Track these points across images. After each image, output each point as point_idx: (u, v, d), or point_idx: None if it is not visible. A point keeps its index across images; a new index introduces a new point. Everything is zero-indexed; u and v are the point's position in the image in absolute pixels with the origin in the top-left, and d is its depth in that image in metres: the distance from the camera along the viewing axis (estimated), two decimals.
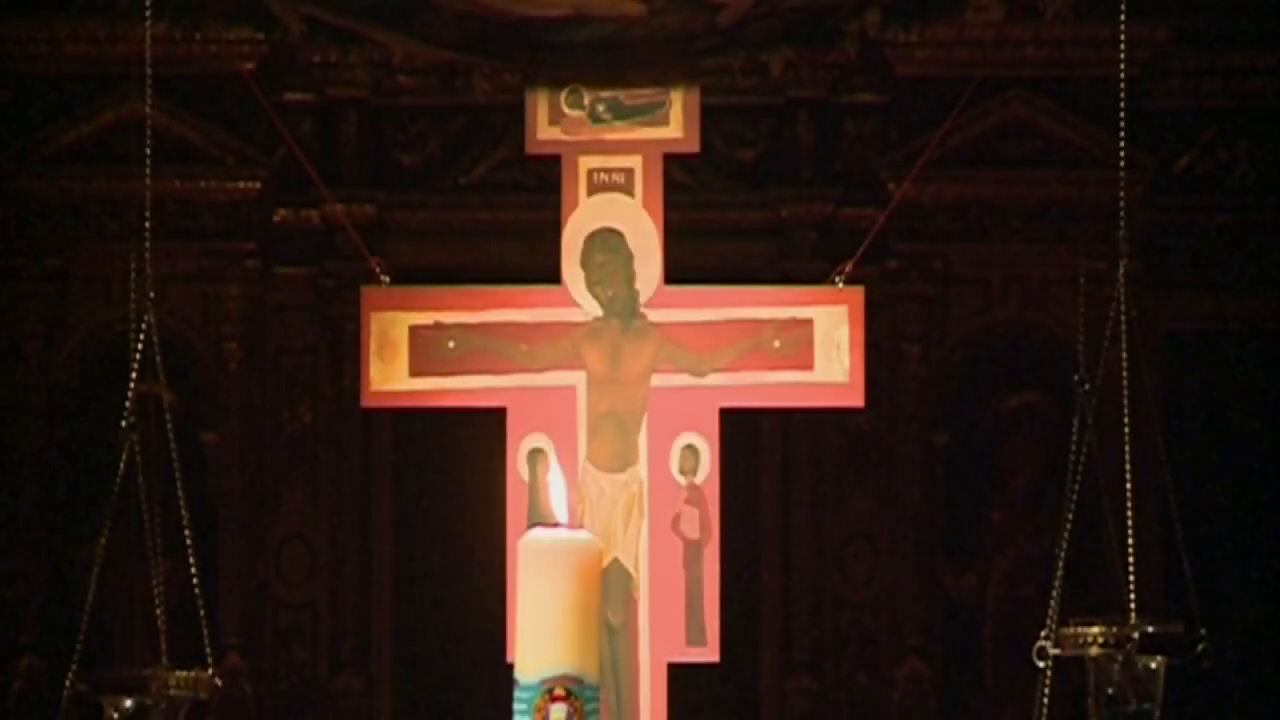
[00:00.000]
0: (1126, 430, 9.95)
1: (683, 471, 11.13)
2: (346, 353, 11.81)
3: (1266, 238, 12.97)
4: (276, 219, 12.66)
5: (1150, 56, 12.06)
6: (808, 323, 11.20)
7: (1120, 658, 9.83)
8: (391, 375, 11.25)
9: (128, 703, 9.91)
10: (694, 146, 11.45)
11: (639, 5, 11.52)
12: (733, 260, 12.16)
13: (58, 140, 12.43)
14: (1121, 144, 10.59)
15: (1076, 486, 10.09)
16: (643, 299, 11.17)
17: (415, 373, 11.23)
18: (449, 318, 11.20)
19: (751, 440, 12.00)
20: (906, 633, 12.83)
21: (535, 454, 11.08)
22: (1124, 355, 10.10)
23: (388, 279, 11.31)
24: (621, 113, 11.40)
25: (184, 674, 9.90)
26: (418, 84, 12.66)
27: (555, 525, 6.42)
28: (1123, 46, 10.71)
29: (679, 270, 11.20)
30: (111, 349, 10.96)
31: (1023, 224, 12.53)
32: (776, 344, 11.18)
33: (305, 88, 12.71)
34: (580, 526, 6.49)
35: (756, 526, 12.46)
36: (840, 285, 11.28)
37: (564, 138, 11.32)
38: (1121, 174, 10.57)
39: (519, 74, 11.76)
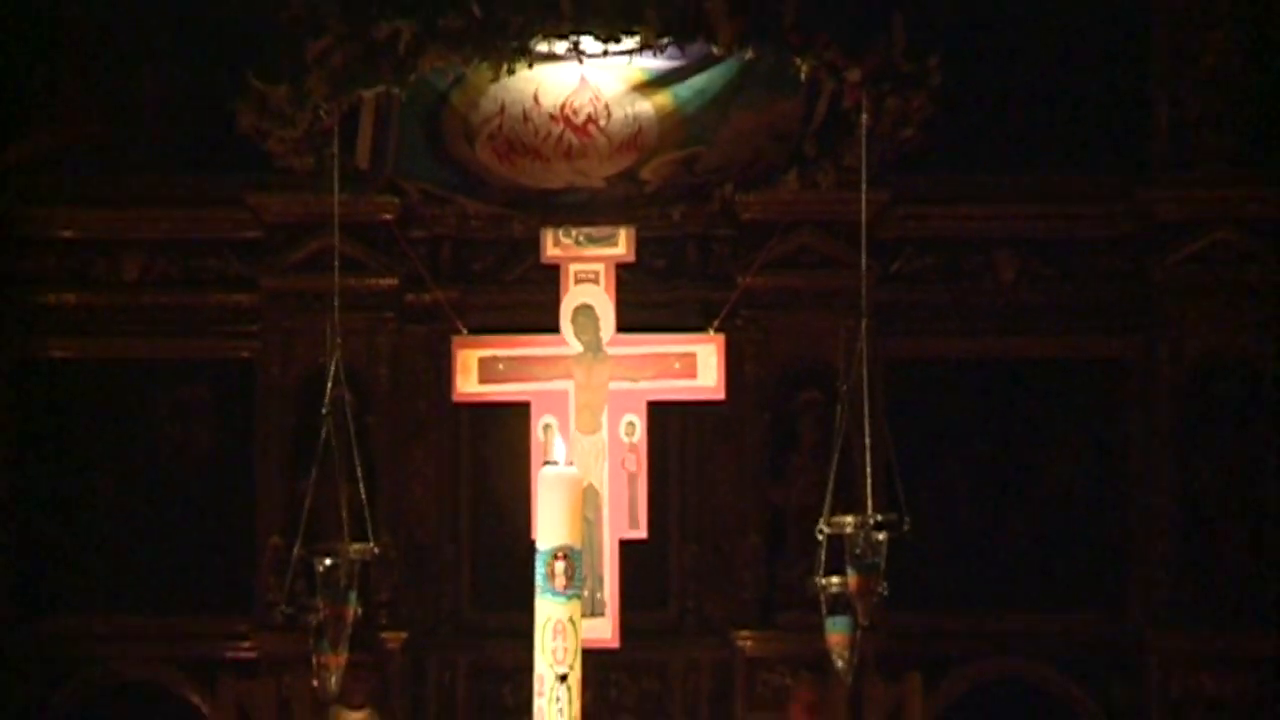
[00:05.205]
0: (866, 411, 10.22)
1: (626, 435, 11.24)
2: (445, 372, 11.62)
3: (940, 306, 12.58)
4: (407, 300, 12.43)
5: (879, 207, 11.83)
6: (694, 354, 11.39)
7: (862, 534, 9.72)
8: (469, 384, 11.39)
9: (328, 561, 9.81)
10: (632, 259, 11.53)
11: (602, 182, 11.38)
12: (653, 320, 11.84)
13: (291, 258, 12.25)
14: (863, 255, 10.71)
15: (839, 443, 10.07)
16: (605, 341, 11.34)
17: (482, 382, 11.36)
18: (500, 352, 11.37)
19: (663, 419, 11.80)
20: (748, 522, 12.33)
21: (547, 427, 11.16)
22: (865, 372, 10.27)
23: (466, 332, 11.47)
24: (592, 239, 11.54)
25: (358, 545, 9.87)
26: (482, 225, 12.30)
27: (557, 464, 6.66)
28: (863, 202, 10.70)
29: (624, 325, 11.38)
30: (319, 372, 10.85)
31: (810, 300, 12.28)
32: (677, 365, 11.39)
33: (421, 227, 12.49)
34: (571, 464, 6.73)
35: (665, 465, 12.28)
36: (712, 333, 11.47)
37: (561, 254, 11.51)
38: (864, 271, 10.67)
39: (537, 219, 11.63)
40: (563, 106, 11.10)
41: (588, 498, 10.87)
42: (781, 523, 12.25)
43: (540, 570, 6.56)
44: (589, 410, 11.35)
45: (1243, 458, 12.18)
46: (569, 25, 10.64)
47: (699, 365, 11.43)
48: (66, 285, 12.49)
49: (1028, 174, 12.54)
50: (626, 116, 11.14)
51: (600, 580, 11.20)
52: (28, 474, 12.53)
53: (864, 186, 10.72)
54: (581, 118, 11.13)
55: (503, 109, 11.10)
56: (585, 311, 11.45)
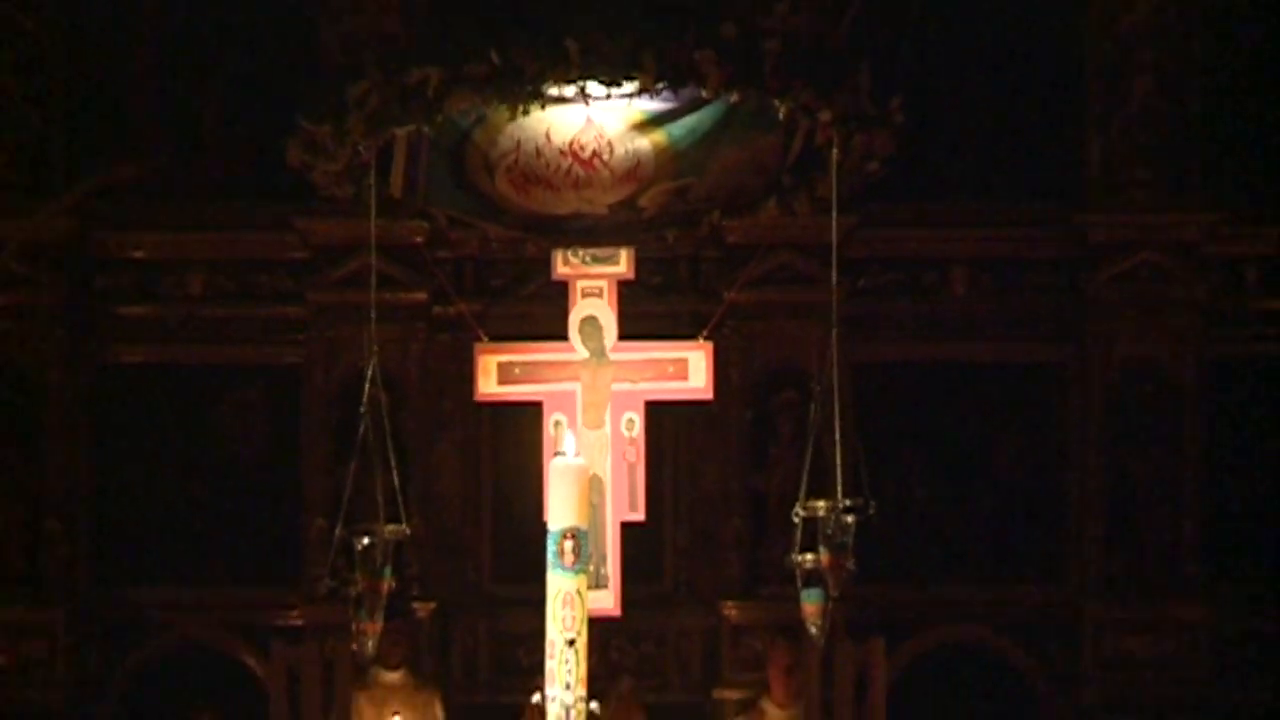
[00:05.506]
0: (836, 409, 10.03)
1: (627, 430, 11.37)
2: (468, 375, 11.60)
3: (901, 317, 12.45)
4: (434, 312, 12.21)
5: (847, 230, 11.60)
6: (686, 359, 11.51)
7: (833, 517, 9.69)
8: (489, 385, 11.49)
9: (365, 540, 9.75)
10: (631, 276, 11.55)
11: (605, 209, 11.54)
12: (650, 329, 11.78)
13: (334, 276, 12.05)
14: (834, 273, 10.69)
15: (812, 437, 10.11)
16: (608, 348, 11.40)
17: (501, 383, 11.46)
18: (516, 358, 11.47)
19: (659, 416, 11.73)
20: (733, 506, 12.19)
21: (557, 423, 11.25)
22: (835, 375, 10.27)
23: (486, 340, 11.57)
24: (597, 259, 11.56)
25: (392, 527, 9.81)
26: (500, 246, 12.18)
27: (566, 455, 6.85)
28: (834, 226, 10.73)
29: (625, 334, 11.48)
30: (357, 375, 10.71)
31: (787, 312, 12.11)
32: (671, 369, 11.46)
33: (447, 248, 12.23)
34: (578, 456, 6.94)
35: (661, 456, 12.16)
36: (701, 341, 11.55)
37: (570, 272, 11.56)
38: (834, 286, 10.67)
39: (548, 241, 11.67)
40: (571, 143, 11.30)
41: (593, 485, 10.89)
42: (762, 507, 12.20)
43: (551, 548, 6.70)
44: (594, 408, 11.36)
45: (1162, 449, 12.16)
46: (577, 72, 10.88)
47: (690, 369, 11.47)
48: (138, 299, 12.43)
49: (977, 201, 12.49)
50: (627, 152, 11.34)
51: (604, 557, 11.20)
52: (107, 464, 12.49)
53: (834, 212, 10.78)
54: (588, 153, 11.33)
55: (519, 145, 11.31)
56: (591, 322, 11.46)
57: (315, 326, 12.30)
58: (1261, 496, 12.37)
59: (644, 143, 11.28)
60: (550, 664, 6.59)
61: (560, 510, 6.64)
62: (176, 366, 12.50)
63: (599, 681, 7.59)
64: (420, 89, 10.99)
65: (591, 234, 11.57)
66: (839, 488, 9.76)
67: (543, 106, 10.96)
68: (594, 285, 11.48)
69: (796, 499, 9.90)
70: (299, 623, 12.07)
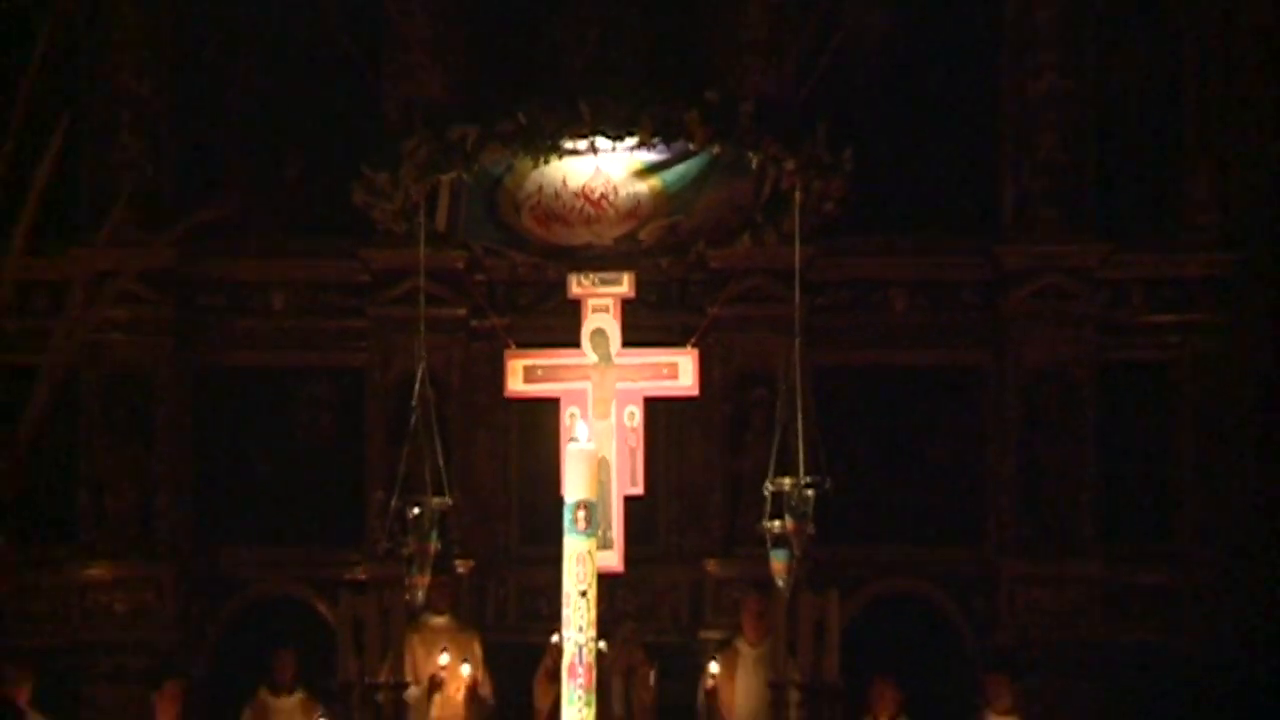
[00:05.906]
0: (799, 404, 10.34)
1: (629, 421, 11.30)
2: (500, 375, 11.55)
3: (852, 329, 12.46)
4: (472, 325, 12.45)
5: (808, 258, 11.65)
6: (677, 363, 11.46)
7: (796, 491, 9.90)
8: (517, 384, 11.36)
9: (416, 509, 9.89)
10: (633, 295, 11.51)
11: (611, 241, 11.73)
12: (648, 339, 11.78)
13: (390, 295, 12.23)
14: (797, 292, 11.03)
15: (779, 426, 10.43)
16: (614, 354, 11.36)
17: (526, 383, 11.36)
18: (539, 362, 11.39)
19: (655, 409, 11.65)
20: (714, 483, 12.35)
21: (572, 415, 11.17)
22: (798, 376, 10.65)
23: (514, 347, 11.66)
24: (605, 281, 11.44)
25: (438, 498, 9.97)
26: (526, 271, 12.27)
27: (579, 441, 6.46)
28: (797, 255, 11.08)
29: (627, 342, 11.43)
30: (410, 376, 10.90)
31: (759, 325, 12.23)
32: (665, 371, 11.42)
33: (483, 273, 12.43)
34: (589, 442, 6.52)
35: (657, 442, 12.05)
36: (689, 347, 11.61)
37: (582, 292, 11.46)
38: (798, 303, 10.99)
39: (565, 267, 11.65)
40: (583, 187, 11.37)
41: (602, 466, 10.97)
42: (739, 483, 12.25)
43: (567, 517, 6.46)
44: (602, 403, 11.41)
45: (1064, 435, 12.30)
46: (588, 129, 10.91)
47: (680, 371, 11.49)
48: (234, 313, 12.65)
49: (913, 234, 12.58)
50: (629, 194, 11.39)
51: (610, 524, 11.18)
52: (206, 449, 12.73)
53: (797, 243, 11.11)
54: (597, 195, 11.39)
55: (540, 189, 11.38)
56: (599, 333, 11.48)
57: (375, 336, 12.44)
58: (1144, 474, 12.55)
59: (643, 187, 11.35)
60: (566, 611, 6.37)
61: (574, 486, 6.40)
62: (263, 369, 12.66)
63: (606, 625, 7.36)
64: (460, 143, 11.07)
65: (600, 261, 11.65)
66: (801, 467, 10.00)
67: (560, 157, 11.02)
68: (602, 303, 11.46)
69: (766, 476, 10.13)
70: (362, 577, 12.19)
